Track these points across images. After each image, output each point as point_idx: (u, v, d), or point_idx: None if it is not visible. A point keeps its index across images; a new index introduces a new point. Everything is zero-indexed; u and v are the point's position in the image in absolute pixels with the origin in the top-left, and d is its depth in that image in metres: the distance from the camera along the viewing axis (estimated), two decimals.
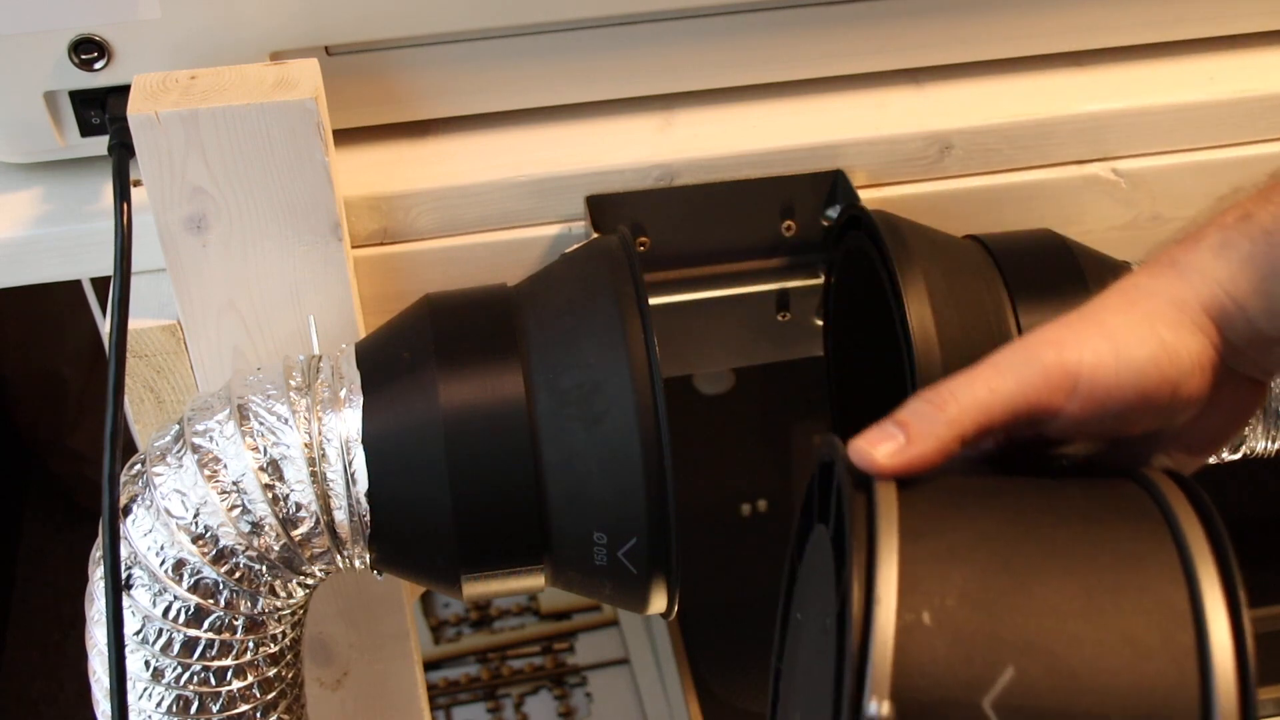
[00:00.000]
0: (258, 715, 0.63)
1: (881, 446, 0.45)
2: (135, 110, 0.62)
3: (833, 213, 0.75)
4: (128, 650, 0.59)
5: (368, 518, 0.59)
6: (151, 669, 0.60)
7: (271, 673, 0.63)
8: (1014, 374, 0.45)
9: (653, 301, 0.65)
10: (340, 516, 0.59)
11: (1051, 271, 0.66)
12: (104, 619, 0.57)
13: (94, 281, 0.79)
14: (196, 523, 0.58)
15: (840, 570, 0.43)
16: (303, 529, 0.59)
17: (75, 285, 0.78)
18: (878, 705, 0.38)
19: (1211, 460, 0.68)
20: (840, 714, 0.39)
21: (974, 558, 0.42)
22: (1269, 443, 0.67)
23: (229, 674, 0.61)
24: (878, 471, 0.44)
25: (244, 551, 0.59)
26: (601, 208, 0.73)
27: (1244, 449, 0.67)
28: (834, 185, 0.75)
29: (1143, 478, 0.45)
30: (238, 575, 0.59)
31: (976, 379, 0.45)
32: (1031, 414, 0.46)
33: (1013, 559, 0.42)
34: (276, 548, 0.59)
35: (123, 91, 0.65)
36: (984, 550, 0.42)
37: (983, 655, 0.40)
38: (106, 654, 0.57)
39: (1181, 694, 0.40)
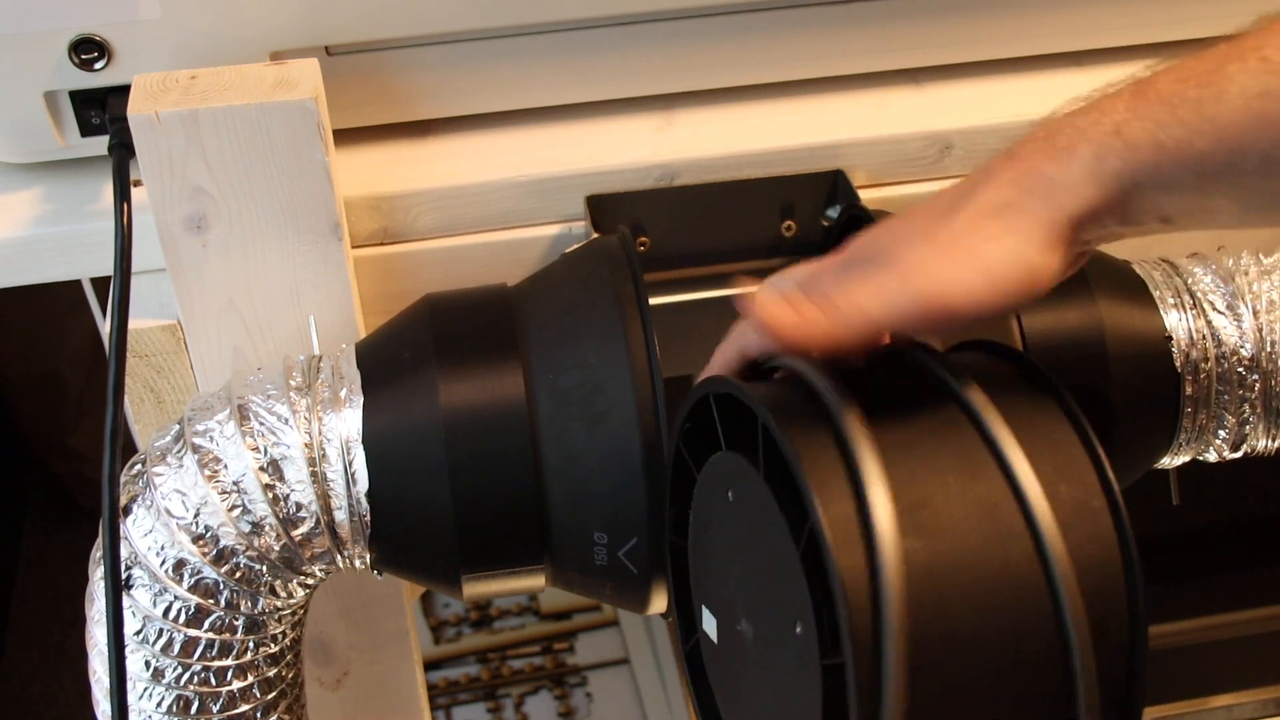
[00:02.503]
0: (258, 715, 0.63)
1: (780, 317, 0.49)
2: (135, 110, 0.62)
3: (833, 213, 0.75)
4: (128, 650, 0.59)
5: (368, 518, 0.59)
6: (152, 669, 0.60)
7: (272, 673, 0.63)
8: (896, 311, 0.48)
9: (653, 301, 0.65)
10: (340, 516, 0.59)
11: None
12: (104, 619, 0.57)
13: (94, 281, 0.79)
14: (197, 523, 0.58)
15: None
16: (303, 529, 0.59)
17: (75, 285, 0.78)
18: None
19: (1213, 459, 0.68)
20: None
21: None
22: (1269, 441, 0.67)
23: (229, 674, 0.61)
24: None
25: (244, 551, 0.59)
26: (601, 208, 0.73)
27: (1245, 447, 0.67)
28: (834, 185, 0.75)
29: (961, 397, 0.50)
30: (238, 575, 0.59)
31: (856, 300, 0.48)
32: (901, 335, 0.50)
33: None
34: (277, 548, 0.59)
35: (123, 91, 0.65)
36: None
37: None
38: (107, 654, 0.57)
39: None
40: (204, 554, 0.58)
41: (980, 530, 0.46)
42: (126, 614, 0.59)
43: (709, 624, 0.56)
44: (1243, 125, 0.45)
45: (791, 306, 0.49)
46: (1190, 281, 0.66)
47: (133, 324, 0.68)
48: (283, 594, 0.61)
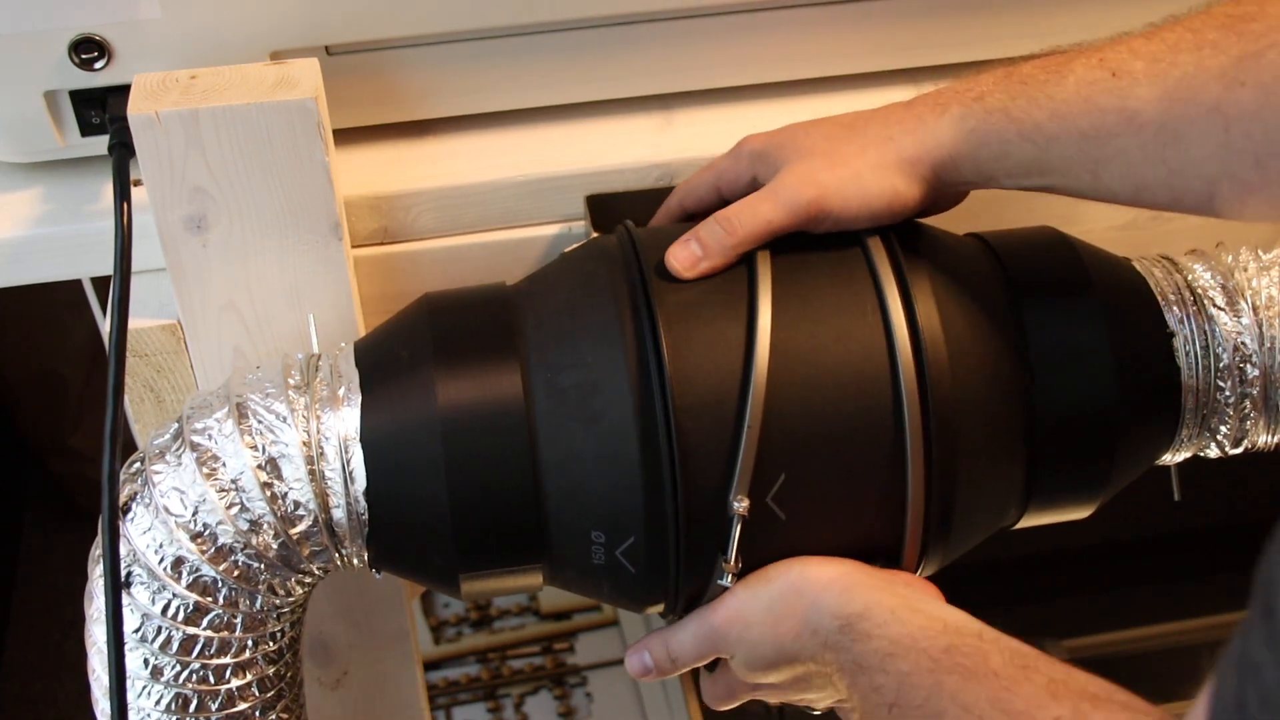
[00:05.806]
0: (256, 713, 0.63)
1: (684, 260, 0.60)
2: (135, 110, 0.62)
3: None
4: (127, 648, 0.59)
5: (365, 516, 0.59)
6: (151, 667, 0.60)
7: (270, 671, 0.63)
8: (784, 208, 0.60)
9: None
10: (338, 515, 0.59)
11: (1054, 268, 0.66)
12: (103, 617, 0.57)
13: (94, 281, 0.79)
14: (195, 520, 0.58)
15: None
16: (301, 527, 0.59)
17: (75, 285, 0.78)
18: None
19: (1214, 455, 0.68)
20: None
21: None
22: (1270, 436, 0.67)
23: (228, 672, 0.61)
24: (680, 277, 0.60)
25: (242, 549, 0.59)
26: (601, 208, 0.74)
27: (1246, 443, 0.67)
28: None
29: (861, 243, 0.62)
30: (236, 573, 0.59)
31: (758, 211, 0.61)
32: (788, 233, 0.61)
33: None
34: (275, 546, 0.59)
35: (123, 91, 0.65)
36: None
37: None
38: (106, 652, 0.57)
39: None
40: (202, 552, 0.58)
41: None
42: (125, 612, 0.59)
43: None
44: (1071, 104, 0.57)
45: (696, 242, 0.60)
46: (1190, 278, 0.66)
47: (133, 324, 0.68)
48: (281, 592, 0.61)
